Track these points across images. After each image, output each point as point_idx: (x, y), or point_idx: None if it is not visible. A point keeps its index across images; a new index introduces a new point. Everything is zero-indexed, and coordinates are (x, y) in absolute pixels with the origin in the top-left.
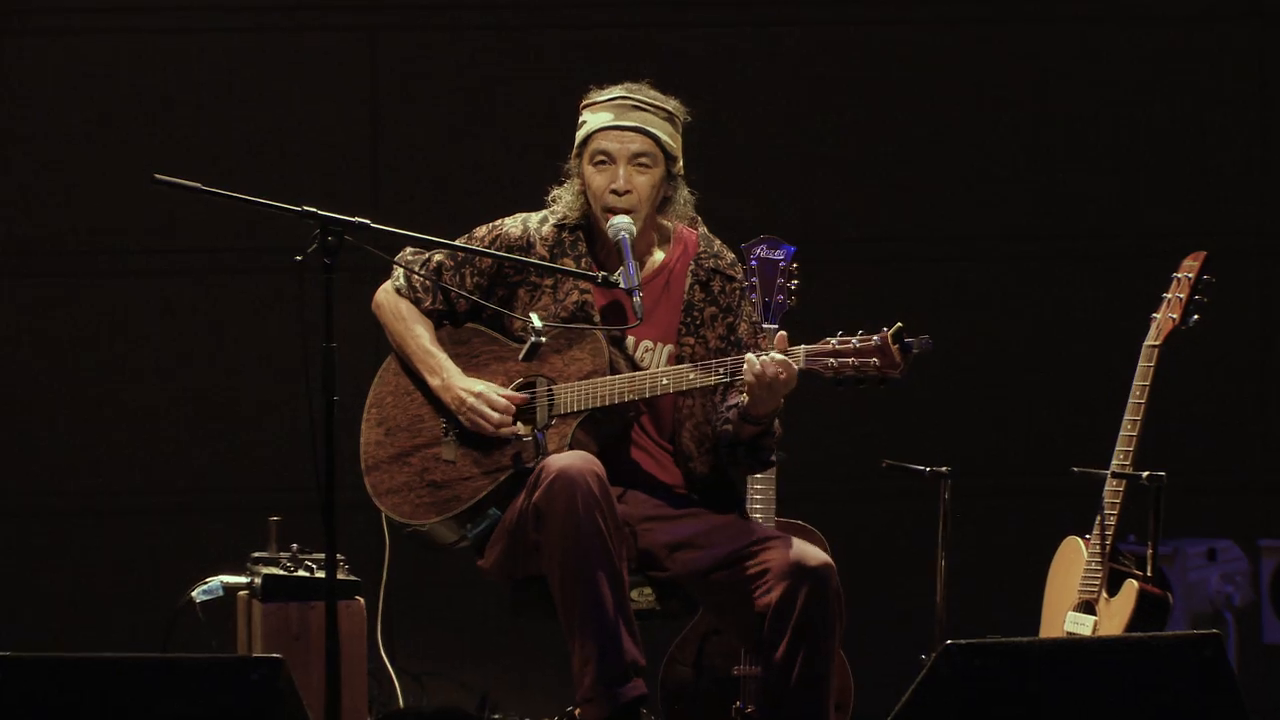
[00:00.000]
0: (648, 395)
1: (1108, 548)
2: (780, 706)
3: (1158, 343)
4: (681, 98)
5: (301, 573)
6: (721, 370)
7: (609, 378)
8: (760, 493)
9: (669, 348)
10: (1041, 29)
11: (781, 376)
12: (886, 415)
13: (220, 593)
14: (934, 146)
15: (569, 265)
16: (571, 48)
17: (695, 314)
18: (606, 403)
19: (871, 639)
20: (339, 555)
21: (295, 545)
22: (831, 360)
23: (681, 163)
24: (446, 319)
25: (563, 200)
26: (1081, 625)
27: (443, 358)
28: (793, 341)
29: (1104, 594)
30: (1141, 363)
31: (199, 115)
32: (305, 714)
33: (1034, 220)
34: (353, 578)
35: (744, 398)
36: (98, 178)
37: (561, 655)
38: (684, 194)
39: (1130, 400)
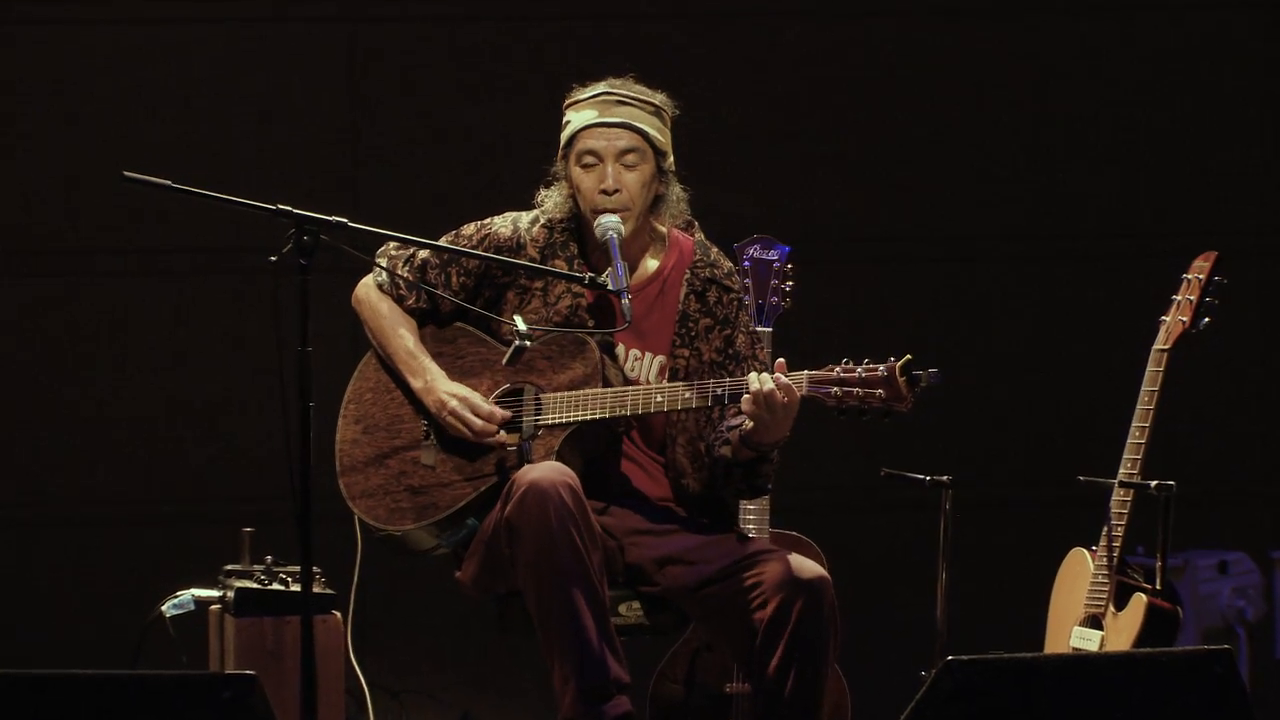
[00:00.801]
0: (640, 412)
1: (1115, 560)
2: None
3: (1167, 346)
4: (677, 93)
5: (276, 586)
6: (720, 391)
7: (600, 390)
8: (754, 503)
9: (660, 359)
10: (1041, 28)
11: (784, 400)
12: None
13: (191, 606)
14: (934, 146)
15: (560, 267)
16: (562, 41)
17: (690, 325)
18: (596, 416)
19: (869, 655)
20: (315, 568)
21: (270, 557)
22: (836, 389)
23: (672, 158)
24: (430, 318)
25: (550, 202)
26: (1088, 641)
27: (427, 361)
28: (790, 356)
29: (1111, 608)
30: (1150, 367)
31: (183, 113)
32: None
33: (1034, 220)
34: (329, 591)
35: (747, 422)
36: (63, 177)
37: (546, 669)
38: (676, 191)
39: (1138, 406)
